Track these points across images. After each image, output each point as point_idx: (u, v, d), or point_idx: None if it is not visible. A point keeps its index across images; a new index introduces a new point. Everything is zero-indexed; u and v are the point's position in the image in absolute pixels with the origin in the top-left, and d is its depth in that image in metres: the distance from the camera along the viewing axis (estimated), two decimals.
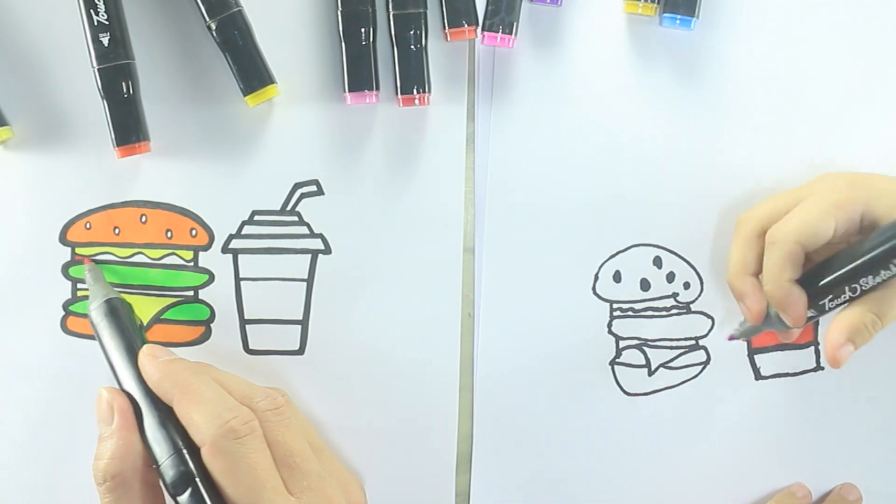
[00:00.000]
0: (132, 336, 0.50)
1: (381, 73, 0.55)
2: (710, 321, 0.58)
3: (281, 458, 0.47)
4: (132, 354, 0.50)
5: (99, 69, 0.52)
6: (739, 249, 0.54)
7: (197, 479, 0.46)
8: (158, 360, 0.49)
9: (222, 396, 0.48)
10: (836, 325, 0.50)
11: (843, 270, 0.49)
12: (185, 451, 0.47)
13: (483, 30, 0.55)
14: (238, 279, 0.56)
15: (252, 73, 0.53)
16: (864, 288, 0.49)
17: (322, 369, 0.56)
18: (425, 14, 0.54)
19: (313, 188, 0.56)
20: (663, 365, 0.58)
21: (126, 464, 0.47)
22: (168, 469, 0.46)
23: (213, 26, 0.53)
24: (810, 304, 0.50)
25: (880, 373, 0.58)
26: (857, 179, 0.52)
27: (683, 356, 0.58)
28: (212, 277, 0.56)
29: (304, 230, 0.56)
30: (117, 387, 0.49)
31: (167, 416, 0.48)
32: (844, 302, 0.50)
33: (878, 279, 0.49)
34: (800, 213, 0.51)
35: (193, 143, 0.55)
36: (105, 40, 0.52)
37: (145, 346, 0.50)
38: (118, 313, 0.51)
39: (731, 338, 0.56)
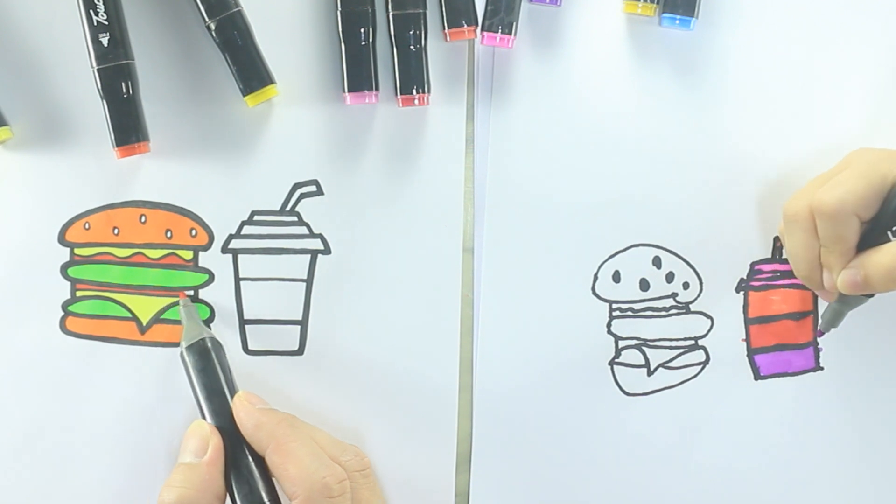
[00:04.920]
0: (224, 378, 0.51)
1: (381, 74, 0.55)
2: (709, 321, 0.58)
3: None
4: (223, 398, 0.51)
5: (98, 69, 0.52)
6: (800, 241, 0.52)
7: None
8: (254, 407, 0.50)
9: (318, 452, 0.49)
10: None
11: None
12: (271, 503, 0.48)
13: (482, 30, 0.55)
14: (238, 279, 0.56)
15: (252, 73, 0.53)
16: None
17: (322, 369, 0.56)
18: (425, 14, 0.54)
19: (313, 188, 0.56)
20: (663, 365, 0.58)
21: (203, 499, 0.47)
22: None
23: (213, 26, 0.53)
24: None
25: (880, 373, 0.58)
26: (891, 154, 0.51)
27: (683, 356, 0.58)
28: (212, 277, 0.56)
29: (304, 230, 0.56)
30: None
31: (256, 464, 0.49)
32: None
33: None
34: (851, 184, 0.49)
35: (193, 143, 0.55)
36: (105, 40, 0.52)
37: (241, 393, 0.51)
38: (210, 354, 0.52)
39: (821, 334, 0.56)
